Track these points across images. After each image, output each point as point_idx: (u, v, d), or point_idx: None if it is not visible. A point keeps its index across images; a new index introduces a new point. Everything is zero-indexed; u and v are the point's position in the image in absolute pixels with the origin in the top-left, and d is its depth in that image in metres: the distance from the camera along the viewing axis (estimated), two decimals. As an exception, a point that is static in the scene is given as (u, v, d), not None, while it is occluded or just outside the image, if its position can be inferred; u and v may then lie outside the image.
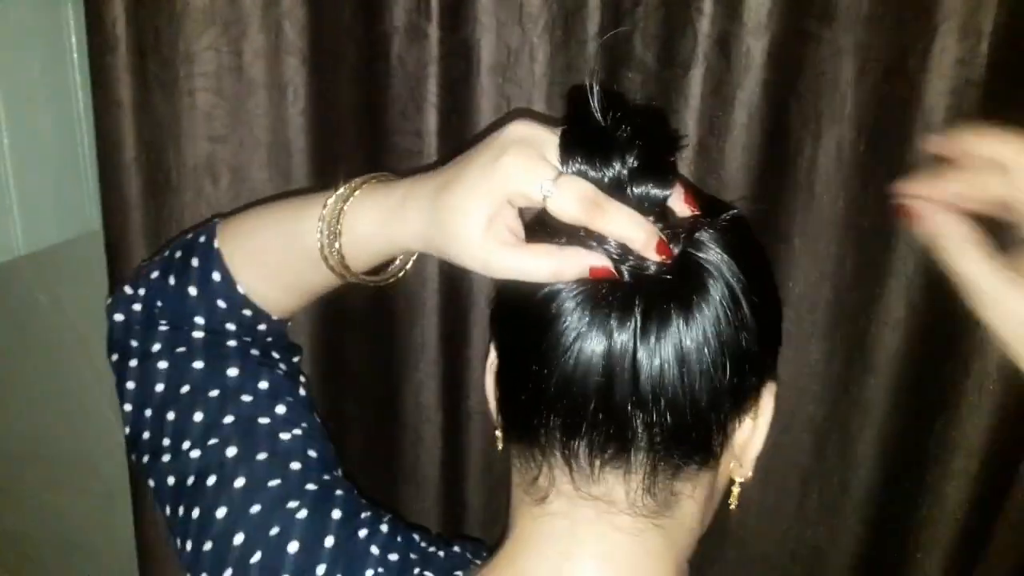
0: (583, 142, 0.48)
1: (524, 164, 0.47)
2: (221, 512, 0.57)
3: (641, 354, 0.46)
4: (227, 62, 0.77)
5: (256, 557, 0.56)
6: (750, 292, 0.48)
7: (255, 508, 0.57)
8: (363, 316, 0.86)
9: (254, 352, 0.63)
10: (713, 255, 0.48)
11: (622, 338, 0.46)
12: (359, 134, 0.80)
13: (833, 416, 0.85)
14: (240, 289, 0.61)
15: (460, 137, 0.77)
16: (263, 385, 0.62)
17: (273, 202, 0.63)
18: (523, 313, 0.50)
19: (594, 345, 0.47)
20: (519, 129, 0.49)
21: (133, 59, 0.75)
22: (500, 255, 0.48)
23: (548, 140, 0.49)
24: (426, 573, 0.56)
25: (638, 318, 0.46)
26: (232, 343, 0.63)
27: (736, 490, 0.54)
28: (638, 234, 0.46)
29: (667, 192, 0.48)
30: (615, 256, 0.47)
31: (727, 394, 0.49)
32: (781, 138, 0.75)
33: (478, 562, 0.59)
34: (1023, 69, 0.71)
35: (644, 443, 0.49)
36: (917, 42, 0.72)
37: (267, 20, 0.76)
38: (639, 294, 0.47)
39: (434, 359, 0.86)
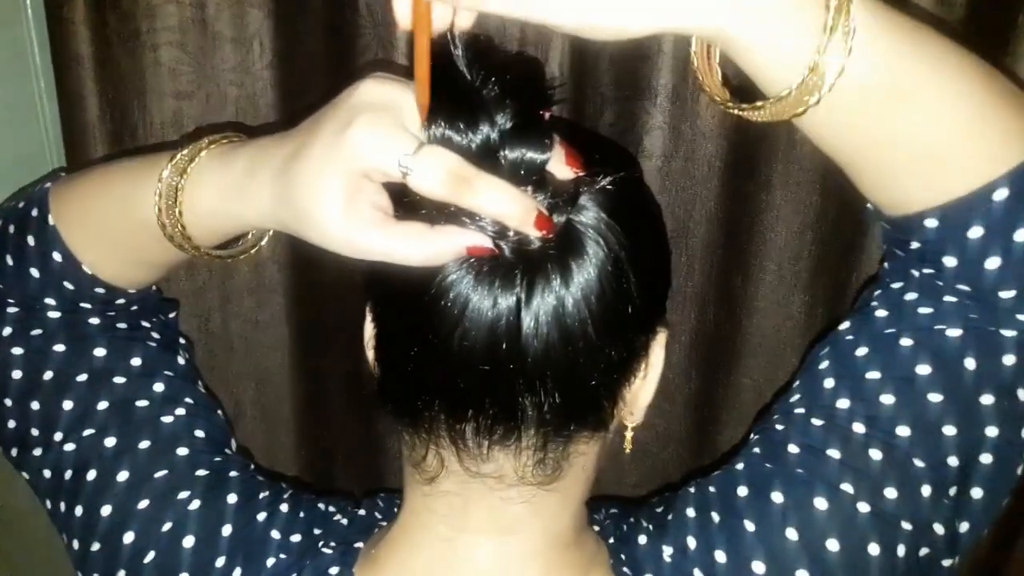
0: (445, 103, 0.43)
1: (377, 135, 0.42)
2: (106, 510, 0.54)
3: (526, 334, 0.44)
4: (190, 15, 0.75)
5: (150, 556, 0.53)
6: (636, 254, 0.46)
7: (143, 503, 0.54)
8: (340, 266, 0.85)
9: (120, 326, 0.58)
10: (595, 220, 0.45)
11: (505, 319, 0.44)
12: (328, 87, 0.78)
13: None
14: (86, 269, 0.56)
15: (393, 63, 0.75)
16: (135, 362, 0.57)
17: (110, 164, 0.58)
18: (400, 291, 0.47)
19: (477, 328, 0.44)
20: (370, 90, 0.44)
21: (91, 13, 0.72)
22: (365, 236, 0.43)
23: (406, 103, 0.43)
24: (329, 546, 0.54)
25: (521, 296, 0.44)
26: (94, 320, 0.58)
27: (629, 435, 0.54)
28: (513, 210, 0.43)
29: (545, 156, 0.44)
30: (493, 232, 0.43)
31: (616, 363, 0.48)
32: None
33: (385, 523, 0.58)
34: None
35: (534, 422, 0.47)
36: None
37: (228, -30, 0.74)
38: (519, 271, 0.44)
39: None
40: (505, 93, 0.43)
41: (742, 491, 0.52)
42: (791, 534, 0.49)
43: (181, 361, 0.61)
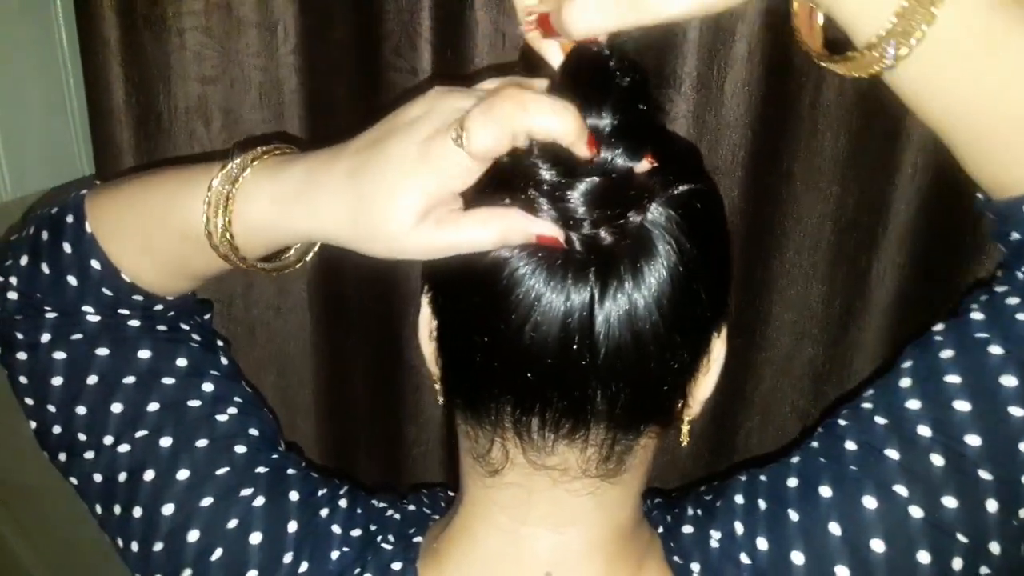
0: (584, 74, 0.44)
1: (459, 154, 0.41)
2: (168, 509, 0.53)
3: (598, 331, 0.44)
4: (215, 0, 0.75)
5: (217, 554, 0.53)
6: (705, 254, 0.46)
7: (206, 501, 0.53)
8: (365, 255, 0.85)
9: (160, 328, 0.58)
10: (667, 219, 0.45)
11: (579, 313, 0.44)
12: (352, 72, 0.78)
13: (832, 359, 0.85)
14: (125, 277, 0.54)
15: (455, 74, 0.75)
16: (181, 363, 0.56)
17: (148, 173, 0.57)
18: (469, 281, 0.46)
19: (549, 322, 0.44)
20: (442, 102, 0.44)
21: (118, -4, 0.73)
22: (437, 238, 0.43)
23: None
24: (387, 540, 0.55)
25: (595, 293, 0.44)
26: (134, 323, 0.57)
27: (686, 428, 0.53)
28: (568, 127, 0.41)
29: (634, 164, 0.44)
30: (563, 222, 0.44)
31: (686, 361, 0.48)
32: (783, 72, 0.73)
33: (436, 517, 0.58)
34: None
35: (603, 418, 0.47)
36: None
37: (253, -45, 0.74)
38: (593, 268, 0.44)
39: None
40: (631, 90, 0.44)
41: (792, 482, 0.52)
42: (834, 528, 0.49)
43: (224, 361, 0.60)
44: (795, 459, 0.54)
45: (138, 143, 0.78)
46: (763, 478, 0.54)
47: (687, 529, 0.54)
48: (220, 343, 0.62)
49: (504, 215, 0.44)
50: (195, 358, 0.57)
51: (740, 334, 0.84)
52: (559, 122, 0.41)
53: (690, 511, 0.56)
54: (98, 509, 0.56)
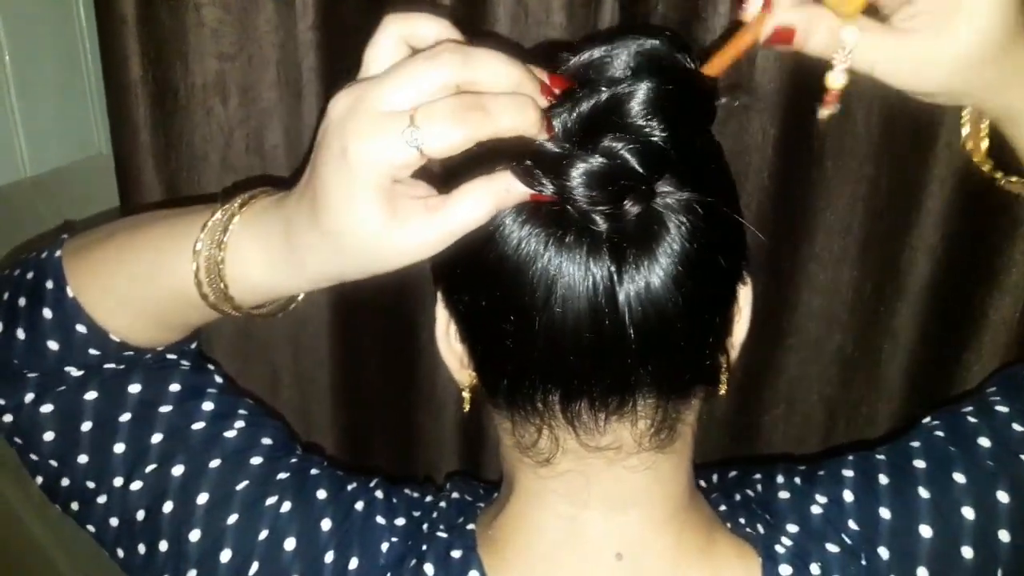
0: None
1: (371, 137, 0.39)
2: (195, 535, 0.52)
3: (623, 302, 0.42)
4: (233, -26, 0.74)
5: (254, 568, 0.51)
6: (717, 221, 0.45)
7: (232, 518, 0.52)
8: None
9: (147, 358, 0.56)
10: (676, 194, 0.44)
11: (603, 285, 0.42)
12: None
13: (861, 345, 0.83)
14: (114, 338, 0.53)
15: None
16: (175, 388, 0.55)
17: (126, 229, 0.54)
18: (480, 270, 0.45)
19: (573, 295, 0.42)
20: (337, 106, 0.41)
21: (135, -29, 0.72)
22: (430, 227, 0.41)
23: (370, 89, 0.39)
24: (439, 528, 0.53)
25: (610, 265, 0.42)
26: (121, 365, 0.55)
27: (724, 376, 0.52)
28: (529, 121, 0.40)
29: (650, 178, 0.43)
30: (563, 196, 0.42)
31: (716, 322, 0.48)
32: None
33: (481, 505, 0.57)
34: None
35: (650, 388, 0.46)
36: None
37: (272, -72, 0.72)
38: (606, 238, 0.42)
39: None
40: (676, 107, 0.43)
41: (919, 463, 0.54)
42: (967, 512, 0.51)
43: (218, 379, 0.59)
44: (915, 443, 0.56)
45: (155, 120, 0.77)
46: (881, 457, 0.56)
47: (783, 495, 0.55)
48: (210, 367, 0.61)
49: (489, 181, 0.41)
50: (188, 381, 0.56)
51: (766, 320, 0.82)
52: (523, 120, 0.40)
53: (782, 479, 0.57)
54: (120, 553, 0.55)
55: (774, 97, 0.72)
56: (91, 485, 0.54)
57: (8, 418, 0.55)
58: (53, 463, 0.55)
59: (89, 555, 0.98)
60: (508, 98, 0.40)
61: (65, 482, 0.55)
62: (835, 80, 0.46)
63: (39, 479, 0.56)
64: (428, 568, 0.51)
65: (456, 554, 0.51)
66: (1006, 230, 0.74)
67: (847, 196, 0.76)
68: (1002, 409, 0.55)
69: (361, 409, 0.90)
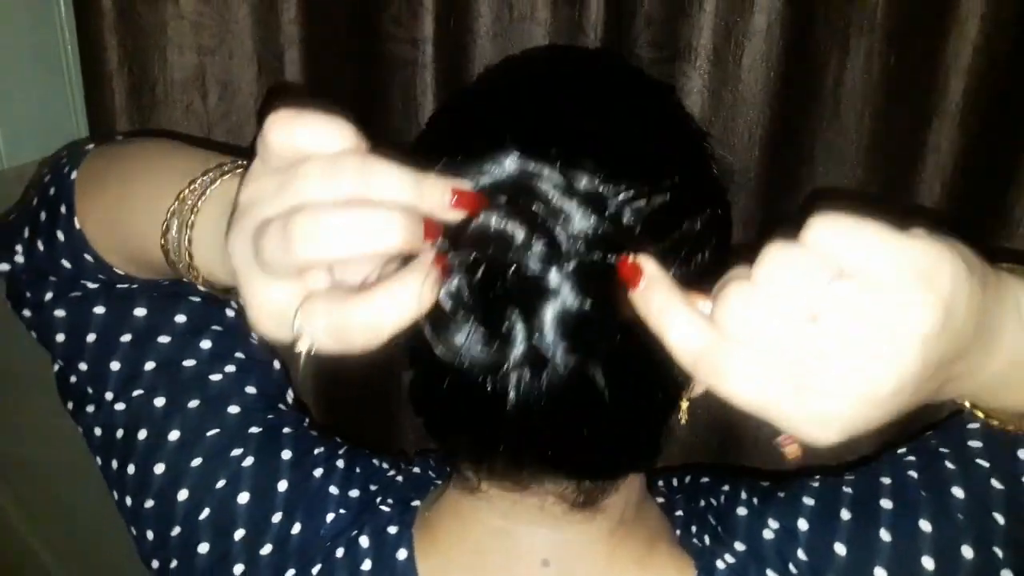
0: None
1: (266, 299, 0.35)
2: (159, 468, 0.54)
3: (513, 387, 0.40)
4: (212, -34, 0.73)
5: (205, 513, 0.53)
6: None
7: (196, 461, 0.53)
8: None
9: (164, 282, 0.56)
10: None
11: (491, 369, 0.40)
12: (352, 44, 0.76)
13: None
14: (119, 271, 0.54)
15: (457, 45, 0.72)
16: (180, 319, 0.56)
17: (136, 159, 0.54)
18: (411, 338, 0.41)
19: (477, 366, 0.40)
20: (292, 187, 0.35)
21: (112, -39, 0.70)
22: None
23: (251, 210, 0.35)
24: (387, 502, 0.54)
25: (515, 353, 0.39)
26: (135, 285, 0.56)
27: (684, 405, 0.49)
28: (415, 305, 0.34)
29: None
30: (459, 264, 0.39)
31: (659, 403, 0.46)
32: (804, 48, 0.70)
33: (439, 482, 0.57)
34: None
35: (567, 471, 0.46)
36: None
37: (252, -81, 0.71)
38: (511, 303, 0.39)
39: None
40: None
41: (886, 503, 0.52)
42: (927, 563, 0.50)
43: (230, 314, 0.58)
44: (886, 480, 0.53)
45: (131, 114, 0.76)
46: (848, 490, 0.53)
47: (741, 511, 0.54)
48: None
49: (404, 281, 0.35)
50: (195, 314, 0.57)
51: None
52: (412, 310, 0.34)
53: (744, 495, 0.55)
54: (99, 461, 0.57)
55: (762, 95, 0.70)
56: (89, 391, 0.56)
57: (28, 312, 0.58)
58: (61, 362, 0.58)
59: (82, 564, 0.98)
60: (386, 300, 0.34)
61: (73, 379, 0.57)
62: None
63: (55, 367, 0.59)
64: (363, 540, 0.52)
65: (392, 530, 0.52)
66: (996, 230, 0.73)
67: (838, 198, 0.75)
68: (982, 463, 0.52)
69: (343, 388, 0.88)
